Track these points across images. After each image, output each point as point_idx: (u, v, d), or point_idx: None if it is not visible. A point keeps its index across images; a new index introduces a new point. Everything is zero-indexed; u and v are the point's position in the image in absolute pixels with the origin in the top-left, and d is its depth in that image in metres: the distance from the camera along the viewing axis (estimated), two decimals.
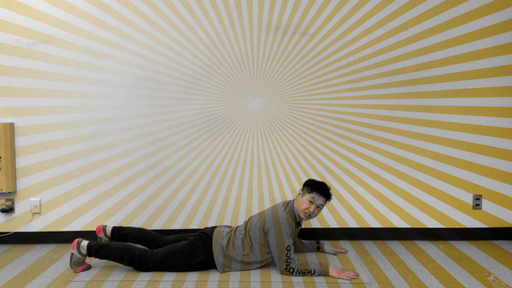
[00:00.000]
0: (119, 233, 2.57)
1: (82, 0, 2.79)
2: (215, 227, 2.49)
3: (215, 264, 2.35)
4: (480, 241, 2.94)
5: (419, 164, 2.92)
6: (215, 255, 2.33)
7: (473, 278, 2.27)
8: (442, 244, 2.87)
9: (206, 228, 2.51)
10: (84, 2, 2.79)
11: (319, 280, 2.23)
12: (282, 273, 2.29)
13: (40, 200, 2.88)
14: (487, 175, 2.91)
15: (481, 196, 2.92)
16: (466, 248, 2.79)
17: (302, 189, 2.43)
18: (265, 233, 2.33)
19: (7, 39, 2.79)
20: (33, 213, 2.89)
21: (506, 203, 2.93)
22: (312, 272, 2.26)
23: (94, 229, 2.89)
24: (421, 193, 2.94)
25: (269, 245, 2.34)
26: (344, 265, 2.45)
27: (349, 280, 2.22)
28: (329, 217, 2.95)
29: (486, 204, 2.93)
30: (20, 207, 2.89)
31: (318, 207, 2.37)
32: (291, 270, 2.26)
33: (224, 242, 2.35)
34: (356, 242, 2.92)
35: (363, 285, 2.17)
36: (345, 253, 2.68)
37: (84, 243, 2.37)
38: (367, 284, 2.18)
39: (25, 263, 2.52)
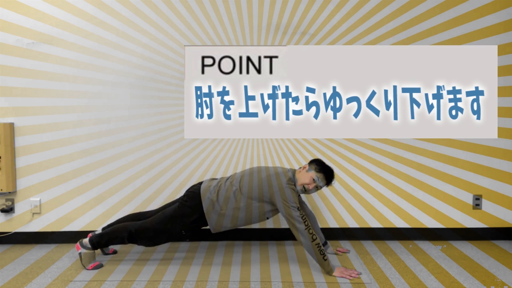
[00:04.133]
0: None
1: (82, 0, 2.79)
2: (201, 182, 2.49)
3: None
4: (480, 241, 2.94)
5: (419, 164, 2.92)
6: (206, 213, 2.34)
7: (473, 278, 2.27)
8: (444, 244, 2.87)
9: (192, 186, 2.51)
10: (84, 2, 2.79)
11: (319, 280, 2.23)
12: (301, 233, 2.24)
13: (40, 200, 2.88)
14: (487, 175, 2.91)
15: (481, 196, 2.93)
16: (466, 248, 2.79)
17: (310, 165, 2.43)
18: (271, 200, 2.33)
19: (7, 39, 2.79)
20: (33, 213, 2.89)
21: (506, 203, 2.93)
22: (322, 254, 2.25)
23: (94, 229, 2.89)
24: (421, 193, 2.94)
25: (276, 206, 2.34)
26: (344, 265, 2.45)
27: (349, 280, 2.23)
28: (329, 217, 2.95)
29: (486, 204, 2.93)
30: (20, 207, 2.89)
31: (316, 187, 2.39)
32: (311, 232, 2.24)
33: (214, 196, 2.36)
34: (356, 242, 2.92)
35: (363, 285, 2.17)
36: (347, 252, 2.69)
37: (86, 239, 2.44)
38: (367, 284, 2.18)
39: (25, 263, 2.52)
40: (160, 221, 2.38)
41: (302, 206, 2.32)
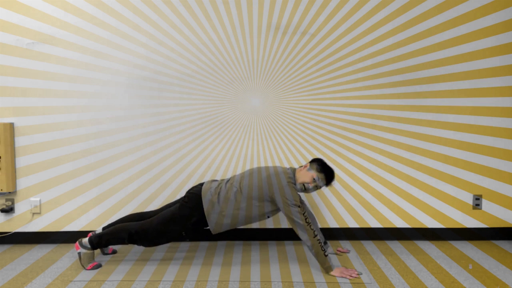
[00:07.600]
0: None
1: (82, 0, 2.79)
2: (202, 184, 2.50)
3: None
4: (480, 241, 2.94)
5: (419, 164, 2.92)
6: (206, 214, 2.35)
7: (473, 278, 2.27)
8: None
9: (193, 187, 2.51)
10: (84, 2, 2.79)
11: (319, 280, 2.23)
12: (301, 228, 2.26)
13: (40, 200, 2.88)
14: (487, 175, 2.91)
15: (481, 196, 2.92)
16: (466, 248, 2.79)
17: (311, 164, 2.44)
18: (272, 199, 2.34)
19: (7, 39, 2.79)
20: (33, 213, 2.89)
21: (506, 203, 2.93)
22: (323, 250, 2.27)
23: (94, 229, 2.89)
24: (421, 193, 2.94)
25: (277, 206, 2.36)
26: (344, 265, 2.45)
27: (349, 280, 2.23)
28: (329, 217, 2.95)
29: (486, 204, 2.93)
30: (20, 207, 2.89)
31: (316, 186, 2.40)
32: (312, 228, 2.26)
33: (215, 198, 2.36)
34: (356, 242, 2.92)
35: (363, 285, 2.17)
36: (347, 252, 2.69)
37: (85, 239, 2.44)
38: (367, 284, 2.18)
39: (25, 263, 2.52)
40: (160, 222, 2.38)
41: (303, 204, 2.34)
